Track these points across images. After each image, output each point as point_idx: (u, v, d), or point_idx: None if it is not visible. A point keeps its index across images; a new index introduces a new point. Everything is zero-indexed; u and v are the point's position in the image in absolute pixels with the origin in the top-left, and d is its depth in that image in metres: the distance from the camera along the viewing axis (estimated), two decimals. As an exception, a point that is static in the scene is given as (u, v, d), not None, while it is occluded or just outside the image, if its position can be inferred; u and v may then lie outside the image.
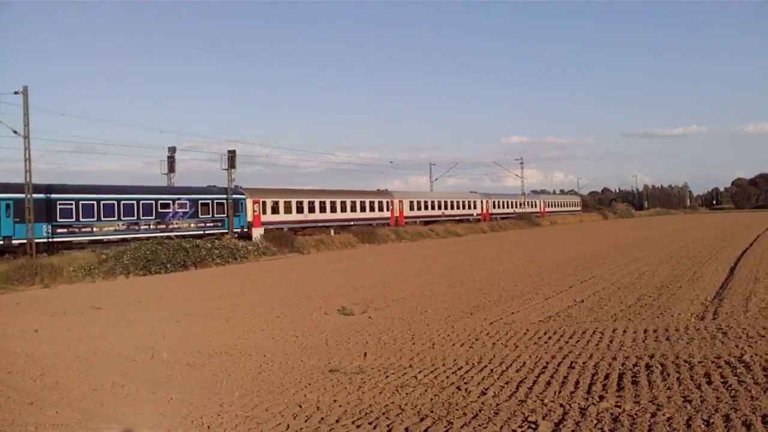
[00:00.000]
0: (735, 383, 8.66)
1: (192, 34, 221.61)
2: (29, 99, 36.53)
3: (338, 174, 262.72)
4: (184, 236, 43.55)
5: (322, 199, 60.61)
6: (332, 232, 58.46)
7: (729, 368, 9.49)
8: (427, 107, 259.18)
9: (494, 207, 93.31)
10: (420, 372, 10.45)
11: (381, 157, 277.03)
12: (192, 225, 47.39)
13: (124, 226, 43.06)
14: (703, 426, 7.10)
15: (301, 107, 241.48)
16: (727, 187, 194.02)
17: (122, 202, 43.26)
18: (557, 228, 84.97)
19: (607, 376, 9.49)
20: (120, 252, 35.30)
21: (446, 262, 33.26)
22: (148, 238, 41.50)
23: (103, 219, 41.94)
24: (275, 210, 55.36)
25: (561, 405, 8.18)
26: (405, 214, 72.05)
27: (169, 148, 54.36)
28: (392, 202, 70.77)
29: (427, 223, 73.13)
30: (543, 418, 7.68)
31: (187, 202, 47.57)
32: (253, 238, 48.56)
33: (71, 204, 40.31)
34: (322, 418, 8.27)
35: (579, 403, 8.20)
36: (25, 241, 35.61)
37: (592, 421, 7.52)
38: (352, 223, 62.52)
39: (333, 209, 61.53)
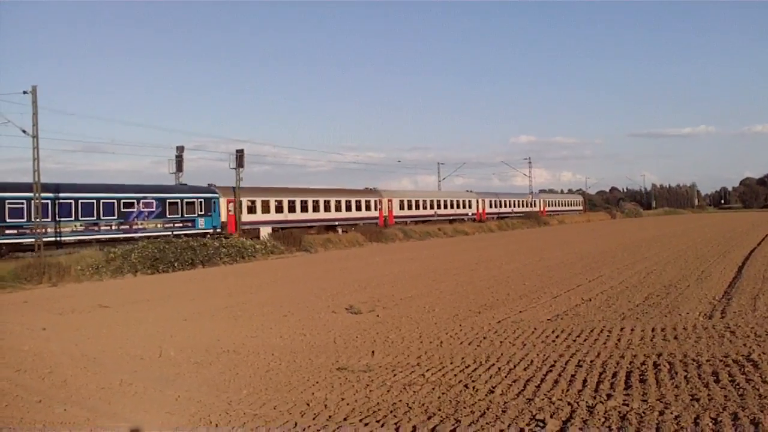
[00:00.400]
0: (743, 382, 8.65)
1: (200, 35, 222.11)
2: (38, 99, 36.69)
3: (346, 173, 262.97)
4: (149, 237, 41.54)
5: (303, 198, 58.34)
6: (340, 231, 58.30)
7: (737, 367, 9.47)
8: (434, 107, 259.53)
9: (491, 206, 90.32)
10: (428, 370, 10.45)
11: (388, 156, 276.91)
12: (159, 225, 45.20)
13: (82, 227, 40.76)
14: (711, 424, 7.09)
15: (309, 107, 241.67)
16: (735, 186, 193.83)
17: (80, 201, 40.85)
18: (565, 227, 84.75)
19: (614, 375, 9.48)
20: (128, 251, 35.33)
21: (454, 261, 33.23)
22: (108, 240, 40.44)
23: (58, 219, 39.61)
24: (252, 210, 53.19)
25: (569, 403, 8.18)
26: (394, 213, 69.38)
27: (177, 147, 54.57)
28: (380, 201, 68.03)
29: (418, 223, 70.24)
30: (551, 416, 7.68)
31: (154, 201, 45.28)
32: (261, 237, 48.46)
33: (22, 203, 37.75)
34: (329, 416, 8.28)
35: (587, 402, 8.19)
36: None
37: (599, 419, 7.51)
38: (336, 223, 60.52)
39: (316, 209, 59.21)
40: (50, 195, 39.19)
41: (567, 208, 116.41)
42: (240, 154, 51.85)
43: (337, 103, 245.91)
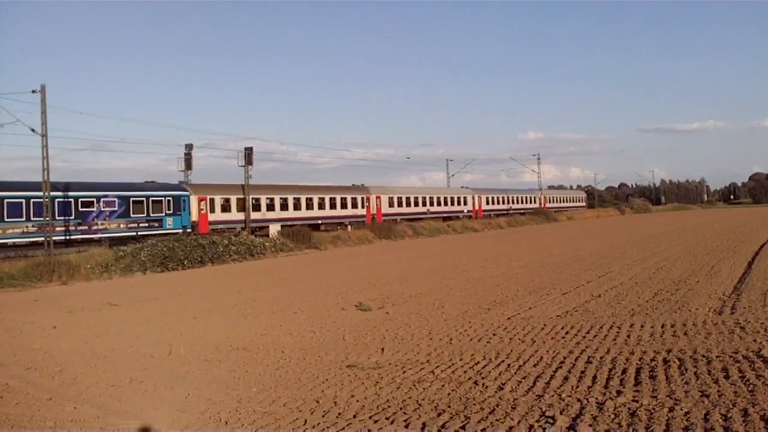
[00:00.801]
0: (753, 378, 8.63)
1: (209, 33, 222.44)
2: (46, 98, 36.80)
3: (354, 170, 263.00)
4: (111, 238, 40.28)
5: (283, 196, 55.84)
6: (349, 228, 58.14)
7: (747, 363, 9.45)
8: (443, 104, 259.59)
9: (487, 203, 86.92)
10: (437, 367, 10.45)
11: (397, 153, 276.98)
12: (122, 225, 42.80)
13: (35, 228, 38.00)
14: (721, 420, 7.07)
15: (318, 104, 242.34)
16: (745, 181, 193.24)
17: (32, 200, 38.02)
18: (574, 223, 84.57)
19: (624, 371, 9.47)
20: (137, 249, 35.38)
21: (463, 258, 33.21)
22: (65, 242, 38.84)
23: (6, 220, 37.19)
24: (226, 208, 50.76)
25: (578, 400, 8.17)
26: (383, 211, 66.39)
27: (186, 145, 54.68)
28: (368, 198, 65.01)
29: (410, 221, 65.60)
30: (560, 413, 7.67)
31: (116, 199, 42.75)
32: (270, 235, 48.39)
33: None
34: (339, 413, 8.29)
35: (596, 398, 8.19)
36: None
37: (609, 415, 7.50)
38: (320, 221, 58.11)
39: (297, 207, 56.75)
40: None
41: (569, 204, 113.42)
42: (249, 152, 51.85)
43: (346, 100, 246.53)
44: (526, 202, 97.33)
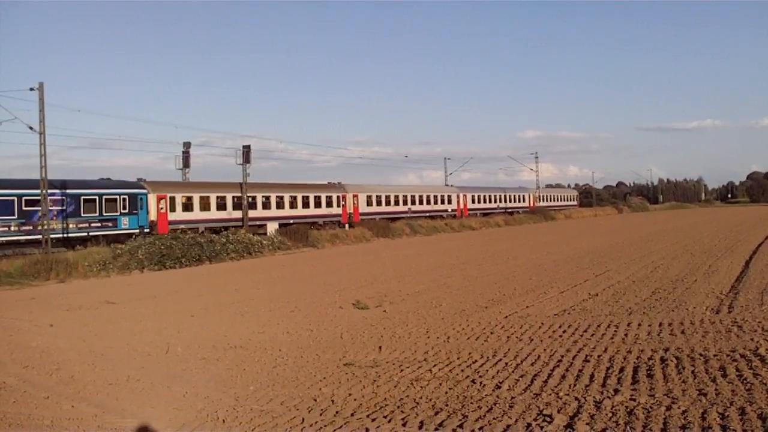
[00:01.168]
0: (750, 376, 8.64)
1: (206, 31, 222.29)
2: (45, 95, 36.74)
3: (352, 168, 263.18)
4: (60, 239, 37.88)
5: (251, 194, 52.51)
6: (346, 226, 57.91)
7: (744, 361, 9.46)
8: (441, 102, 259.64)
9: (473, 202, 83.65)
10: (435, 365, 10.45)
11: (395, 151, 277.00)
12: (71, 226, 39.50)
13: None
14: (718, 419, 7.08)
15: (316, 102, 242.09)
16: (742, 180, 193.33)
17: None
18: (572, 222, 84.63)
19: (621, 370, 9.48)
20: (135, 247, 35.35)
21: (460, 256, 33.22)
22: (7, 243, 36.12)
23: None
24: (188, 207, 47.81)
25: (576, 398, 8.17)
26: (361, 210, 63.24)
27: (183, 143, 54.70)
28: (344, 197, 61.67)
29: (390, 220, 62.55)
30: (558, 412, 7.67)
31: (65, 198, 39.39)
32: (268, 233, 48.28)
33: None
34: (337, 412, 8.29)
35: (594, 397, 8.19)
36: None
37: (607, 414, 7.51)
38: (291, 221, 54.40)
39: (266, 206, 53.89)
40: None
41: (559, 203, 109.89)
42: (247, 150, 51.73)
43: (344, 98, 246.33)
44: (516, 201, 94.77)
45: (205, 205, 49.00)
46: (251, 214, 51.83)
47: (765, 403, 7.50)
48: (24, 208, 37.44)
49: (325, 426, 7.80)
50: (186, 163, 53.99)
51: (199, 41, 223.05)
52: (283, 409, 8.54)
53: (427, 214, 71.70)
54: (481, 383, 9.18)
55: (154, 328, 15.46)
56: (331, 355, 11.73)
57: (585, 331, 12.69)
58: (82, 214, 40.41)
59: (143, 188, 45.09)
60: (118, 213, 42.40)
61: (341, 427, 7.75)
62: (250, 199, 52.16)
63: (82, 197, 40.62)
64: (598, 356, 10.43)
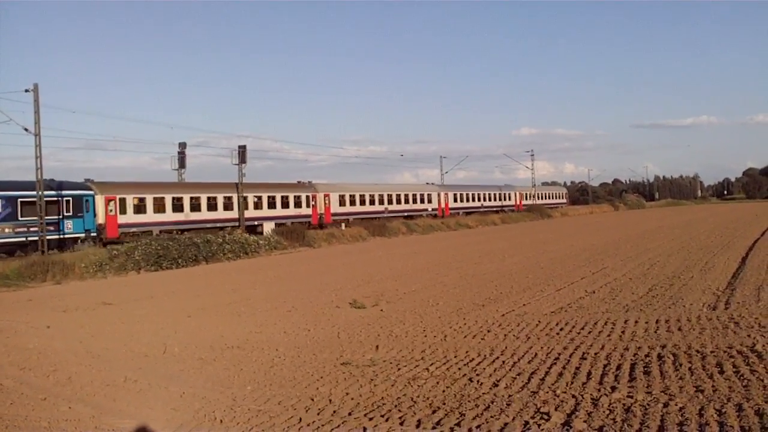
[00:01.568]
0: (747, 373, 8.64)
1: (201, 32, 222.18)
2: (40, 97, 36.71)
3: (348, 168, 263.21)
4: None
5: (211, 195, 50.43)
6: (343, 226, 57.75)
7: (741, 358, 9.46)
8: (436, 101, 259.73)
9: (455, 201, 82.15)
10: (432, 364, 10.45)
11: (391, 150, 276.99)
12: (8, 230, 37.00)
13: None
14: (715, 415, 7.08)
15: (311, 102, 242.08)
16: (738, 177, 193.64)
17: None
18: (568, 220, 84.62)
19: (619, 367, 9.48)
20: (131, 248, 35.34)
21: (457, 255, 33.23)
22: None
23: None
24: (141, 209, 45.46)
25: (573, 396, 8.18)
26: (333, 210, 61.26)
27: (179, 143, 54.74)
28: (314, 196, 59.65)
29: (364, 221, 60.59)
30: (555, 409, 7.67)
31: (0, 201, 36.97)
32: (264, 233, 48.22)
33: None
34: (334, 411, 8.29)
35: (591, 394, 8.19)
36: None
37: (604, 411, 7.51)
38: (256, 223, 52.83)
39: (227, 207, 51.55)
40: None
41: (547, 201, 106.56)
42: (242, 150, 51.73)
43: (339, 97, 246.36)
44: (501, 200, 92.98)
45: (159, 207, 46.79)
46: (208, 215, 49.64)
47: (762, 399, 7.51)
48: None
49: (323, 425, 7.79)
50: (182, 164, 54.03)
51: (195, 41, 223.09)
52: (281, 409, 8.53)
53: (406, 214, 69.63)
54: (478, 381, 9.18)
55: (151, 329, 15.45)
56: (329, 355, 11.72)
57: (582, 328, 12.69)
58: (20, 218, 37.73)
59: (89, 189, 42.64)
60: (61, 216, 39.57)
61: (339, 426, 7.75)
62: (211, 200, 50.19)
63: (20, 199, 37.91)
64: (595, 353, 10.43)
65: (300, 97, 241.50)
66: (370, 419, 7.87)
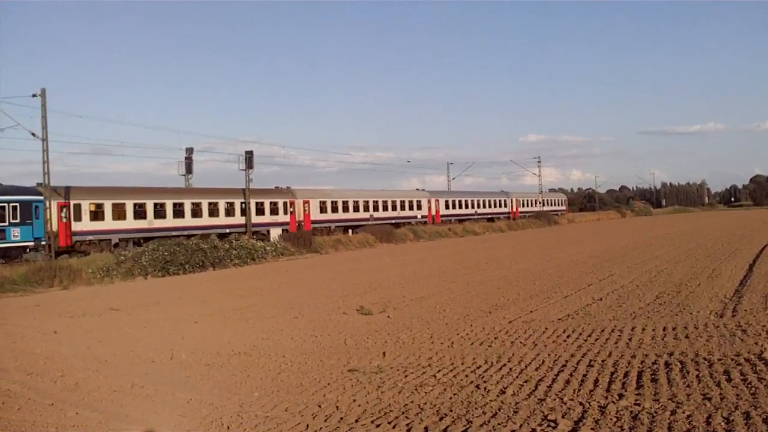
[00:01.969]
0: (755, 380, 8.61)
1: (209, 36, 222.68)
2: (47, 101, 36.86)
3: (354, 174, 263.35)
4: None
5: (178, 201, 47.53)
6: (350, 232, 57.68)
7: (749, 365, 9.43)
8: (443, 107, 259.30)
9: (447, 207, 79.02)
10: (439, 371, 10.44)
11: (398, 156, 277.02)
12: None
13: None
14: (723, 423, 7.06)
15: (318, 107, 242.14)
16: (746, 184, 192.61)
17: None
18: (575, 226, 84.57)
19: (626, 374, 9.46)
20: (138, 253, 35.42)
21: (464, 261, 33.21)
22: None
23: None
24: (98, 215, 42.49)
25: (580, 403, 8.16)
26: (313, 218, 58.23)
27: (186, 149, 54.82)
28: (293, 203, 56.87)
29: (347, 229, 59.67)
30: (562, 417, 7.66)
31: None
32: (271, 239, 48.26)
33: None
34: (341, 418, 8.29)
35: (598, 401, 8.18)
36: None
37: (611, 419, 7.49)
38: (227, 230, 49.70)
39: (196, 213, 48.48)
40: None
41: (545, 208, 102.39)
42: (249, 156, 51.78)
43: (346, 103, 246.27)
44: (495, 207, 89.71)
45: (119, 214, 43.86)
46: (176, 223, 47.00)
47: (770, 407, 7.49)
48: None
49: (330, 432, 7.80)
50: (189, 169, 54.06)
51: (201, 46, 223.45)
52: (288, 416, 8.54)
53: (393, 221, 66.44)
54: (485, 388, 9.17)
55: (158, 335, 15.48)
56: (336, 361, 11.73)
57: (589, 335, 12.68)
58: None
59: (39, 194, 39.01)
60: (6, 223, 36.19)
61: (346, 433, 7.75)
62: (177, 206, 47.42)
63: None
64: (603, 361, 10.41)
65: (307, 102, 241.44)
66: (378, 426, 7.87)
